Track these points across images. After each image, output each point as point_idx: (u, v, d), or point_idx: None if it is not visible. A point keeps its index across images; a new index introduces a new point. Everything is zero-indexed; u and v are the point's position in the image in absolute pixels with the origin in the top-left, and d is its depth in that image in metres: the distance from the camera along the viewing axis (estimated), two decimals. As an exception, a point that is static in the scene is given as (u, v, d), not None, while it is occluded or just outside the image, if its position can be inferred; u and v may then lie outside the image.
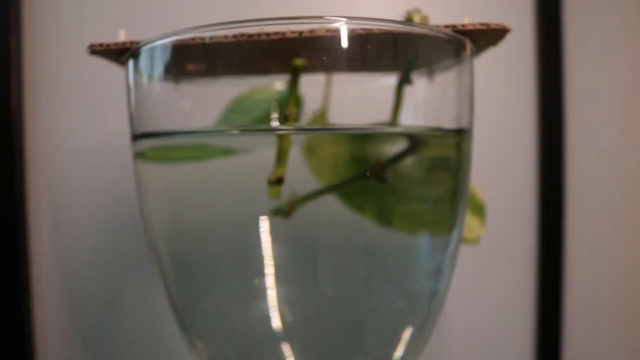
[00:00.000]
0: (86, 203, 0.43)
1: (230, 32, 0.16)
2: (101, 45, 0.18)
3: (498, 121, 0.45)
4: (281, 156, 0.18)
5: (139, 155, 0.21)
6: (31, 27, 0.42)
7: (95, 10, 0.42)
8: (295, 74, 0.19)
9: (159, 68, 0.20)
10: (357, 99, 0.22)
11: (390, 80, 0.21)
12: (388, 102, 0.21)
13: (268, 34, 0.16)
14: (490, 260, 0.46)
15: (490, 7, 0.45)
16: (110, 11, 0.43)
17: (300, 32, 0.16)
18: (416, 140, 0.19)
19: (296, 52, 0.18)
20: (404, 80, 0.20)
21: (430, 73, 0.20)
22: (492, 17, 0.19)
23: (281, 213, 0.18)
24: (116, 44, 0.18)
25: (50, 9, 0.43)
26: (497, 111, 0.45)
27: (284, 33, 0.16)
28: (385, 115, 0.21)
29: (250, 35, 0.16)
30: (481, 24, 0.18)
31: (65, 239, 0.44)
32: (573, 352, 0.47)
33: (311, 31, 0.16)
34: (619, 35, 0.46)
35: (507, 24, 0.19)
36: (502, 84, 0.45)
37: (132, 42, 0.18)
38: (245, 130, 0.22)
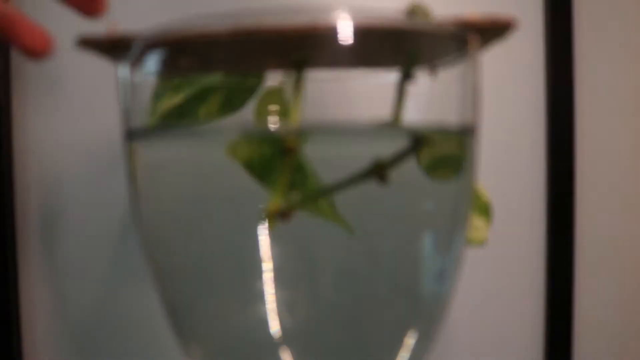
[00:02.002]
0: (76, 204, 0.43)
1: (226, 25, 0.16)
2: (90, 38, 0.17)
3: (507, 118, 0.45)
4: (280, 184, 0.16)
5: (131, 154, 0.20)
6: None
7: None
8: (298, 71, 0.18)
9: (152, 63, 0.19)
10: (359, 96, 0.22)
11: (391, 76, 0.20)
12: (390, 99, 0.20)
13: (266, 31, 0.15)
14: (499, 261, 0.46)
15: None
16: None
17: (300, 27, 0.15)
18: (420, 138, 0.18)
19: (296, 47, 0.18)
20: (406, 76, 0.19)
21: (434, 69, 0.19)
22: (501, 10, 0.18)
23: (279, 216, 0.16)
24: (106, 37, 0.17)
25: (37, 2, 0.42)
26: (506, 108, 0.45)
27: (281, 30, 0.16)
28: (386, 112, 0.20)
29: (248, 32, 0.15)
30: (487, 18, 0.18)
31: (55, 241, 0.43)
32: (584, 354, 0.46)
33: (312, 26, 0.16)
34: (629, 29, 0.46)
35: (516, 17, 0.18)
36: (511, 79, 0.45)
37: (122, 36, 0.17)
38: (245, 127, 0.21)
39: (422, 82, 0.20)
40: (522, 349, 0.46)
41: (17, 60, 0.42)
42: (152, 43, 0.17)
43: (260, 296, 0.18)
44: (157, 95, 0.22)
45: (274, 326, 0.18)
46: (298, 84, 0.18)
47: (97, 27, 0.19)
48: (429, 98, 0.21)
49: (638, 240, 0.47)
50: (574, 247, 0.45)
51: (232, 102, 0.23)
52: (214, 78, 0.23)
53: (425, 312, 0.20)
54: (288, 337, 0.18)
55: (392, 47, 0.19)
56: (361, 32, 0.16)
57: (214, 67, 0.22)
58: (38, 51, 0.22)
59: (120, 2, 0.42)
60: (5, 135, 0.41)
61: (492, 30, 0.19)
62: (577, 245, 0.45)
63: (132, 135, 0.20)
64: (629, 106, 0.46)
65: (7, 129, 0.41)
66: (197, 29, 0.16)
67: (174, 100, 0.22)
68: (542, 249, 0.46)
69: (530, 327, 0.46)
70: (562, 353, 0.45)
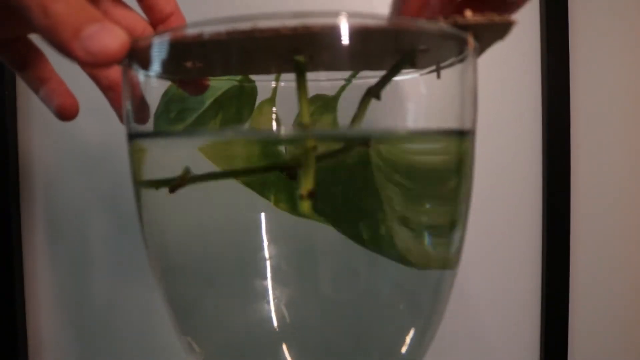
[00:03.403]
0: (81, 203, 0.43)
1: (225, 28, 0.16)
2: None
3: (504, 119, 0.45)
4: (308, 167, 0.17)
5: (135, 155, 0.20)
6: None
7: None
8: (299, 73, 0.18)
9: (155, 66, 0.19)
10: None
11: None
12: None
13: (262, 30, 0.16)
14: (495, 261, 0.46)
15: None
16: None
17: (294, 28, 0.16)
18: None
19: (296, 50, 0.18)
20: (373, 94, 0.19)
21: (438, 70, 0.20)
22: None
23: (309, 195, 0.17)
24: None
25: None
26: (503, 109, 0.45)
27: (277, 29, 0.16)
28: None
29: (244, 32, 0.16)
30: (484, 18, 0.18)
31: (60, 240, 0.43)
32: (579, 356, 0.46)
33: (306, 27, 0.16)
34: (625, 30, 0.46)
35: (514, 18, 0.18)
36: (507, 81, 0.45)
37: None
38: (245, 132, 0.21)
39: (421, 85, 0.21)
40: (518, 348, 0.46)
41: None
42: (156, 46, 0.18)
43: (262, 295, 0.18)
44: (167, 108, 0.22)
45: (276, 325, 0.18)
46: (301, 85, 0.18)
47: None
48: (428, 100, 0.21)
49: (633, 238, 0.47)
50: (569, 247, 0.45)
51: (231, 121, 0.24)
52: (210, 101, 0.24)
53: (423, 312, 0.20)
54: (291, 335, 0.19)
55: (392, 48, 0.19)
56: (360, 33, 0.16)
57: (216, 70, 0.22)
58: (65, 116, 0.25)
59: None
60: (11, 137, 0.41)
61: (491, 31, 0.19)
62: (572, 245, 0.45)
63: (136, 136, 0.20)
64: (624, 106, 0.46)
65: (12, 132, 0.41)
66: (199, 31, 0.16)
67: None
68: (538, 248, 0.46)
69: (527, 326, 0.46)
70: (558, 353, 0.45)
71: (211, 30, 0.16)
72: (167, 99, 0.22)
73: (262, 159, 0.19)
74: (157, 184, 0.18)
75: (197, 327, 0.20)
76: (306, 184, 0.17)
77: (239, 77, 0.25)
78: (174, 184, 0.17)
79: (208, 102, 0.24)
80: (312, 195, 0.17)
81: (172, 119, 0.23)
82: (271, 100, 0.24)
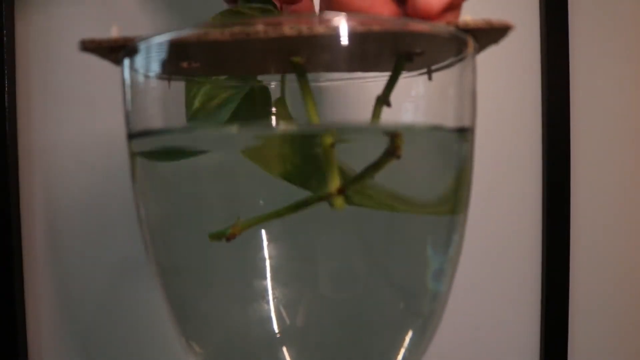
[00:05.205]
0: (81, 203, 0.43)
1: (227, 29, 0.16)
2: (92, 42, 0.18)
3: (503, 120, 0.45)
4: (330, 165, 0.17)
5: (135, 155, 0.20)
6: (24, 24, 0.42)
7: (89, 7, 0.42)
8: (299, 74, 0.18)
9: (155, 66, 0.19)
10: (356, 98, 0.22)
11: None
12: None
13: (265, 32, 0.16)
14: (495, 261, 0.46)
15: (496, 3, 0.44)
16: (104, 7, 0.42)
17: (299, 30, 0.16)
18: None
19: (295, 51, 0.18)
20: (383, 101, 0.19)
21: (430, 72, 0.20)
22: (497, 14, 0.19)
23: (223, 237, 0.17)
24: (108, 41, 0.18)
25: (43, 5, 0.42)
26: (503, 109, 0.45)
27: (282, 31, 0.16)
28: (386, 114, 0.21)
29: (248, 34, 0.16)
30: (484, 22, 0.18)
31: (60, 239, 0.44)
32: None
33: (309, 29, 0.16)
34: (624, 31, 0.46)
35: (513, 21, 0.18)
36: (507, 81, 0.45)
37: (124, 39, 0.18)
38: (245, 129, 0.21)
39: (420, 84, 0.21)
40: (517, 349, 0.46)
41: (22, 63, 0.42)
42: (155, 46, 0.18)
43: (262, 295, 0.18)
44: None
45: (278, 325, 0.18)
46: (303, 86, 0.19)
47: (102, 30, 0.20)
48: (427, 100, 0.21)
49: (633, 238, 0.47)
50: (569, 247, 0.45)
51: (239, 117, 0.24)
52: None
53: (423, 311, 0.20)
54: (291, 336, 0.19)
55: (390, 50, 0.19)
56: (359, 35, 0.16)
57: (213, 70, 0.22)
58: None
59: (124, 8, 0.42)
60: (11, 136, 0.41)
61: (488, 35, 0.19)
62: (572, 245, 0.45)
63: (135, 136, 0.20)
64: (624, 106, 0.46)
65: (12, 130, 0.41)
66: (199, 32, 0.16)
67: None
68: (539, 248, 0.46)
69: (527, 326, 0.46)
70: (558, 353, 0.45)
71: (211, 31, 0.16)
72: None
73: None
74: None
75: (197, 327, 0.20)
76: (334, 182, 0.17)
77: (249, 84, 0.24)
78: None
79: (226, 117, 0.24)
80: (341, 191, 0.17)
81: None
82: (282, 99, 0.24)
